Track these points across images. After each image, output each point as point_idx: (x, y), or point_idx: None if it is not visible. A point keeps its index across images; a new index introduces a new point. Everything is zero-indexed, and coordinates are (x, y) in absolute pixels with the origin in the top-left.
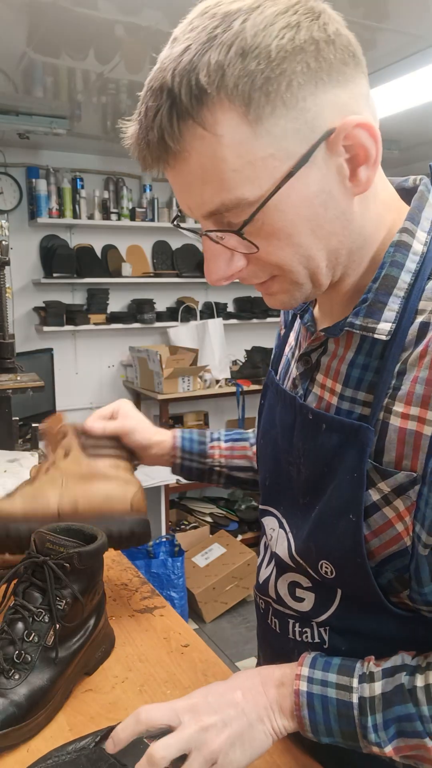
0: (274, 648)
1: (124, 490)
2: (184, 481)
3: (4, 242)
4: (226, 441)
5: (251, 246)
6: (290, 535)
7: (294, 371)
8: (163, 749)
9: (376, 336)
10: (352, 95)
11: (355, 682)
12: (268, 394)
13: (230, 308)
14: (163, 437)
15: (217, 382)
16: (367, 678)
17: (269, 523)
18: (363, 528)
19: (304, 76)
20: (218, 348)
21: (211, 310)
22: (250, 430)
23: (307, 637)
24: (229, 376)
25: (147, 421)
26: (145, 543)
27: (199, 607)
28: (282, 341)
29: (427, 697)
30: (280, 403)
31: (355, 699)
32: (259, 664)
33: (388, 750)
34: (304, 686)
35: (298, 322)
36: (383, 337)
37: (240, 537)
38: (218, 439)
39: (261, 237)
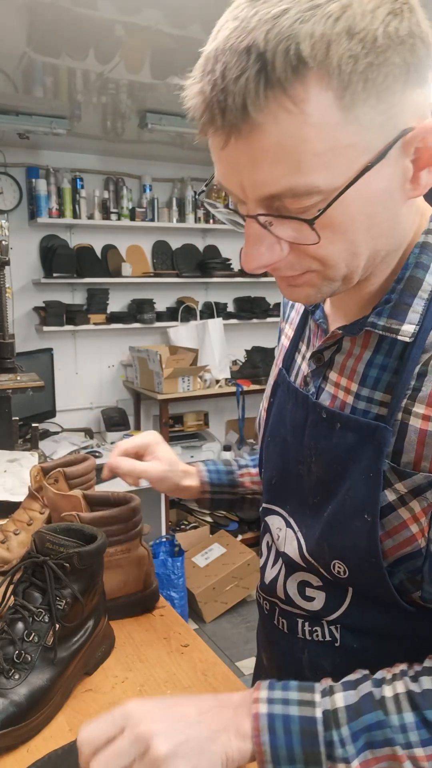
0: (281, 648)
1: (137, 574)
2: None
3: (4, 242)
4: (254, 467)
5: (312, 237)
6: (299, 534)
7: (305, 368)
8: (102, 759)
9: (399, 337)
10: (426, 97)
11: (317, 697)
12: (278, 392)
13: (230, 308)
14: (191, 482)
15: (217, 382)
16: (328, 691)
17: (275, 522)
18: (378, 528)
19: (399, 69)
20: (218, 348)
21: (211, 310)
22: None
23: (317, 635)
24: (229, 376)
25: (176, 461)
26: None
27: (199, 607)
28: (294, 338)
29: (396, 707)
30: (291, 401)
31: (318, 714)
32: (259, 665)
33: (355, 764)
34: (264, 709)
35: (298, 317)
36: (407, 339)
37: (240, 537)
38: (246, 466)
39: (317, 228)
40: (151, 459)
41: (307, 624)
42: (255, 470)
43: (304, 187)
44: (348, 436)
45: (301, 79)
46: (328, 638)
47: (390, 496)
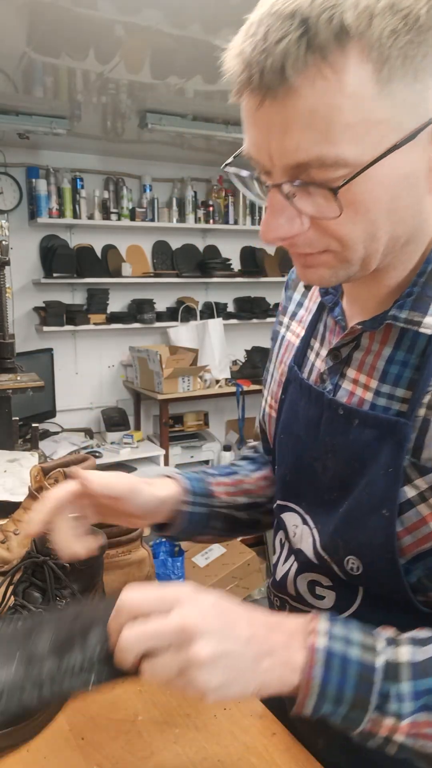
0: None
1: (138, 576)
2: None
3: (4, 242)
4: (223, 476)
5: (333, 210)
6: (315, 530)
7: (320, 365)
8: (136, 630)
9: (421, 330)
10: None
11: (379, 644)
12: (290, 389)
13: (230, 308)
14: (169, 490)
15: (217, 382)
16: (392, 642)
17: (291, 519)
18: (396, 524)
19: None
20: (218, 348)
21: (211, 310)
22: (241, 461)
23: None
24: (229, 376)
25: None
26: None
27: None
28: (305, 336)
29: None
30: (304, 399)
31: (379, 662)
32: None
33: (404, 723)
34: (323, 642)
35: (309, 315)
36: (429, 332)
37: (240, 537)
38: (217, 476)
39: (339, 205)
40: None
41: None
42: (229, 479)
43: (332, 157)
44: (366, 432)
45: (341, 47)
46: None
47: (410, 492)
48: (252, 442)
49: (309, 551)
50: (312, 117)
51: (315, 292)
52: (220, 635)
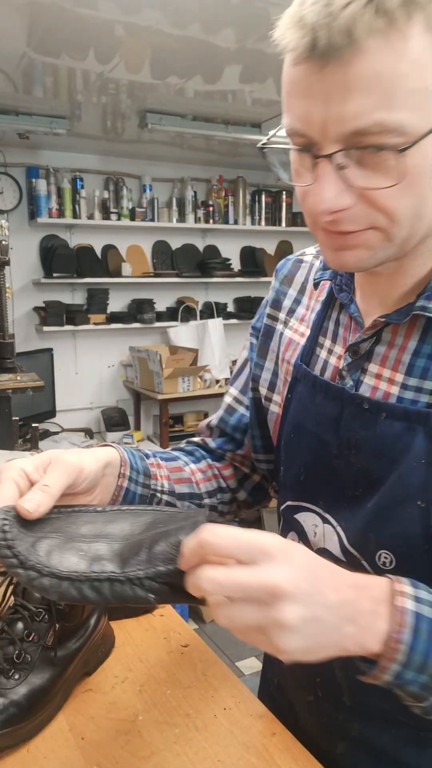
0: None
1: None
2: None
3: (4, 242)
4: (163, 460)
5: (387, 180)
6: (339, 528)
7: (336, 362)
8: (220, 575)
9: None
10: None
11: None
12: (297, 388)
13: (230, 308)
14: (110, 453)
15: (217, 382)
16: None
17: (309, 519)
18: None
19: None
20: (218, 348)
21: (211, 310)
22: (174, 450)
23: None
24: (229, 375)
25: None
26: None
27: (199, 607)
28: (312, 335)
29: None
30: (320, 395)
31: None
32: (268, 672)
33: None
34: (411, 605)
35: (311, 313)
36: None
37: None
38: (154, 456)
39: (393, 175)
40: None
41: None
42: (169, 465)
43: (393, 123)
44: (395, 425)
45: (408, 14)
46: None
47: None
48: (196, 438)
49: (335, 550)
50: (376, 80)
51: (314, 290)
52: (309, 600)
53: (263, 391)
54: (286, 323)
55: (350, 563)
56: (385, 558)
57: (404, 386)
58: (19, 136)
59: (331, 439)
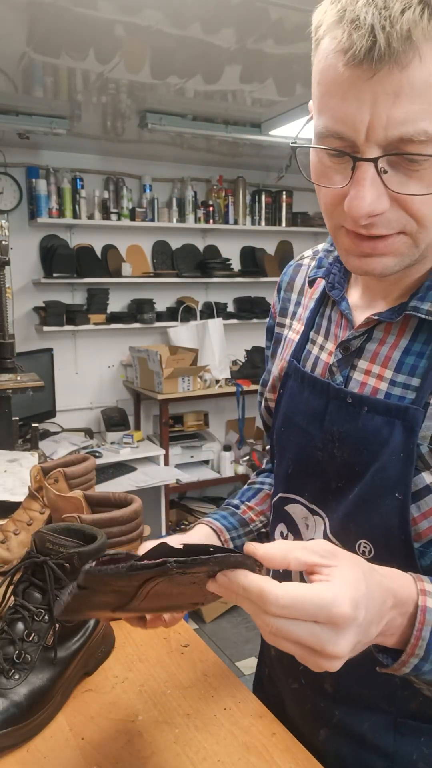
0: None
1: None
2: (183, 480)
3: (4, 242)
4: (249, 500)
5: (423, 186)
6: (326, 519)
7: (327, 358)
8: (290, 632)
9: None
10: None
11: None
12: (288, 384)
13: (230, 308)
14: (204, 532)
15: (217, 382)
16: None
17: (297, 511)
18: (410, 506)
19: None
20: (218, 348)
21: (211, 310)
22: (258, 474)
23: None
24: (229, 376)
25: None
26: None
27: (199, 607)
28: (304, 331)
29: None
30: (307, 390)
31: None
32: (261, 664)
33: None
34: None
35: (306, 312)
36: None
37: None
38: (242, 503)
39: (427, 182)
40: None
41: None
42: (256, 500)
43: None
44: (376, 418)
45: None
46: None
47: (428, 478)
48: (251, 441)
49: (319, 538)
50: (426, 88)
51: (309, 289)
52: (359, 631)
53: (264, 391)
54: (290, 327)
55: None
56: (365, 547)
57: (393, 382)
58: (19, 136)
59: (316, 433)
